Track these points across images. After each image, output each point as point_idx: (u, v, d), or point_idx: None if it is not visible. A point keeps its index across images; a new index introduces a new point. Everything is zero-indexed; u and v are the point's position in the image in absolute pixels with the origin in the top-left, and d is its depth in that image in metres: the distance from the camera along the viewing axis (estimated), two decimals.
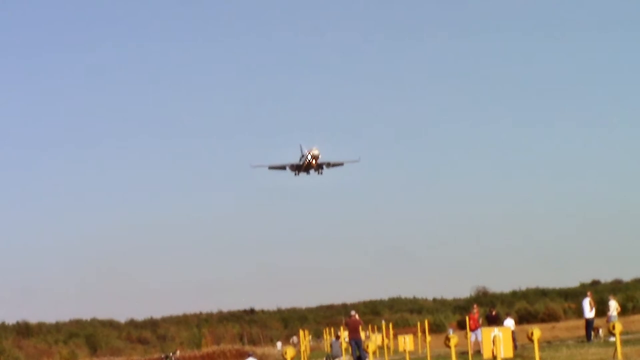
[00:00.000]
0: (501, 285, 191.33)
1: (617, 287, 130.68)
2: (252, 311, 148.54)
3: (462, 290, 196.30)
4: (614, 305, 54.21)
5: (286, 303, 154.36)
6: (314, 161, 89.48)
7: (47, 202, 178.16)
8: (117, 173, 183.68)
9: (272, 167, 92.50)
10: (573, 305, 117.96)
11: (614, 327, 33.60)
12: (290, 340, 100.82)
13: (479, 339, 43.77)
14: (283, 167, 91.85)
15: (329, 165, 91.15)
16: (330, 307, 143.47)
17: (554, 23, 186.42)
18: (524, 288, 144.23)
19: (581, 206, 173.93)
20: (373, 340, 43.80)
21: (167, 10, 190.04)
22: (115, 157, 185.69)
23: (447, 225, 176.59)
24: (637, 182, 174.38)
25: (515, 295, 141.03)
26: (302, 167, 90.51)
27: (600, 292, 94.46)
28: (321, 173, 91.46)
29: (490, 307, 73.19)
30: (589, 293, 55.12)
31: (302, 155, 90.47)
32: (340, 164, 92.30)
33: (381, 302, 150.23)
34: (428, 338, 50.57)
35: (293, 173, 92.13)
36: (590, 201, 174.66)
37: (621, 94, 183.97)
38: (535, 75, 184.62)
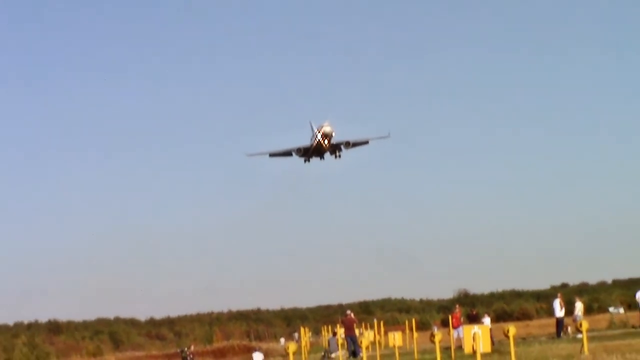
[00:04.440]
0: (481, 287, 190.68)
1: (583, 289, 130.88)
2: (258, 311, 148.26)
3: (445, 291, 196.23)
4: (579, 306, 54.13)
5: (288, 303, 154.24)
6: (325, 141, 67.91)
7: (74, 213, 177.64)
8: (135, 180, 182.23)
9: (273, 155, 70.53)
10: (544, 306, 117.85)
11: (581, 325, 33.47)
12: (292, 337, 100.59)
13: (461, 335, 43.61)
14: (288, 153, 70.09)
15: (348, 145, 69.07)
16: (327, 307, 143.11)
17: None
18: (501, 290, 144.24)
19: (551, 216, 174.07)
20: (366, 337, 43.64)
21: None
22: (133, 163, 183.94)
23: (432, 234, 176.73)
24: (603, 193, 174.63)
25: (493, 297, 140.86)
26: (311, 150, 68.90)
27: (568, 293, 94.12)
28: (339, 156, 69.32)
29: (470, 307, 73.11)
30: (559, 294, 55.03)
31: (313, 135, 69.34)
32: (365, 143, 70.01)
33: (373, 302, 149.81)
34: (415, 335, 50.41)
35: (302, 159, 70.29)
36: (560, 211, 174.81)
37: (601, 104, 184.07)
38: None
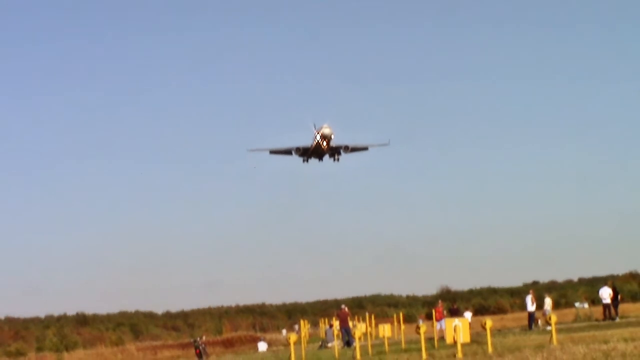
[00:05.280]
0: (461, 284, 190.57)
1: (552, 287, 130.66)
2: (262, 305, 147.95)
3: (429, 288, 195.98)
4: (548, 302, 54.15)
5: (290, 299, 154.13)
6: (324, 143, 61.79)
7: (95, 217, 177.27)
8: (147, 182, 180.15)
9: (273, 152, 64.14)
10: (518, 301, 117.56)
11: (550, 318, 33.45)
12: (293, 328, 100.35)
13: (443, 327, 43.57)
14: (288, 152, 63.93)
15: (347, 149, 62.92)
16: (324, 302, 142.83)
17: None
18: (479, 287, 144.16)
19: (524, 220, 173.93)
20: (359, 328, 43.53)
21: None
22: (144, 164, 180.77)
23: (419, 236, 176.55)
24: (571, 197, 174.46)
25: (472, 293, 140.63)
26: (310, 151, 62.72)
27: (539, 290, 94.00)
28: (338, 160, 63.20)
29: (452, 302, 73.08)
30: (530, 291, 55.08)
31: (314, 136, 62.76)
32: (364, 149, 63.85)
33: (365, 297, 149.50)
34: (402, 327, 50.30)
35: (301, 159, 63.90)
36: (531, 216, 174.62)
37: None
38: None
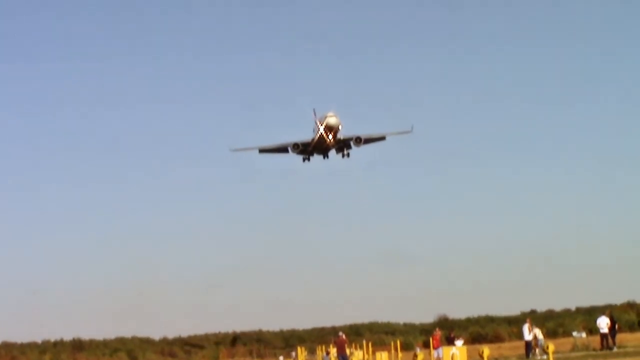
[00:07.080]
0: (458, 312, 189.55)
1: (550, 316, 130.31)
2: (260, 332, 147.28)
3: (427, 316, 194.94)
4: (538, 332, 54.23)
5: (287, 325, 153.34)
6: (330, 135, 49.39)
7: (95, 245, 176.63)
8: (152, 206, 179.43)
9: (264, 151, 51.27)
10: (515, 330, 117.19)
11: (547, 347, 33.49)
12: (290, 355, 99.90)
13: (441, 355, 43.55)
14: (283, 149, 51.24)
15: (359, 141, 50.35)
16: (322, 329, 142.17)
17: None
18: (476, 315, 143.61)
19: (522, 249, 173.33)
20: (356, 356, 43.53)
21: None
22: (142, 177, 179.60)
23: (417, 264, 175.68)
24: (567, 226, 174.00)
25: (470, 321, 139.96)
26: (312, 146, 50.05)
27: (536, 319, 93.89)
28: (348, 155, 50.26)
29: (449, 331, 72.89)
30: (527, 320, 55.04)
31: (315, 128, 49.73)
32: (381, 138, 51.07)
33: (362, 325, 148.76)
34: (400, 355, 50.31)
35: (300, 158, 51.20)
36: (529, 245, 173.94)
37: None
38: None
